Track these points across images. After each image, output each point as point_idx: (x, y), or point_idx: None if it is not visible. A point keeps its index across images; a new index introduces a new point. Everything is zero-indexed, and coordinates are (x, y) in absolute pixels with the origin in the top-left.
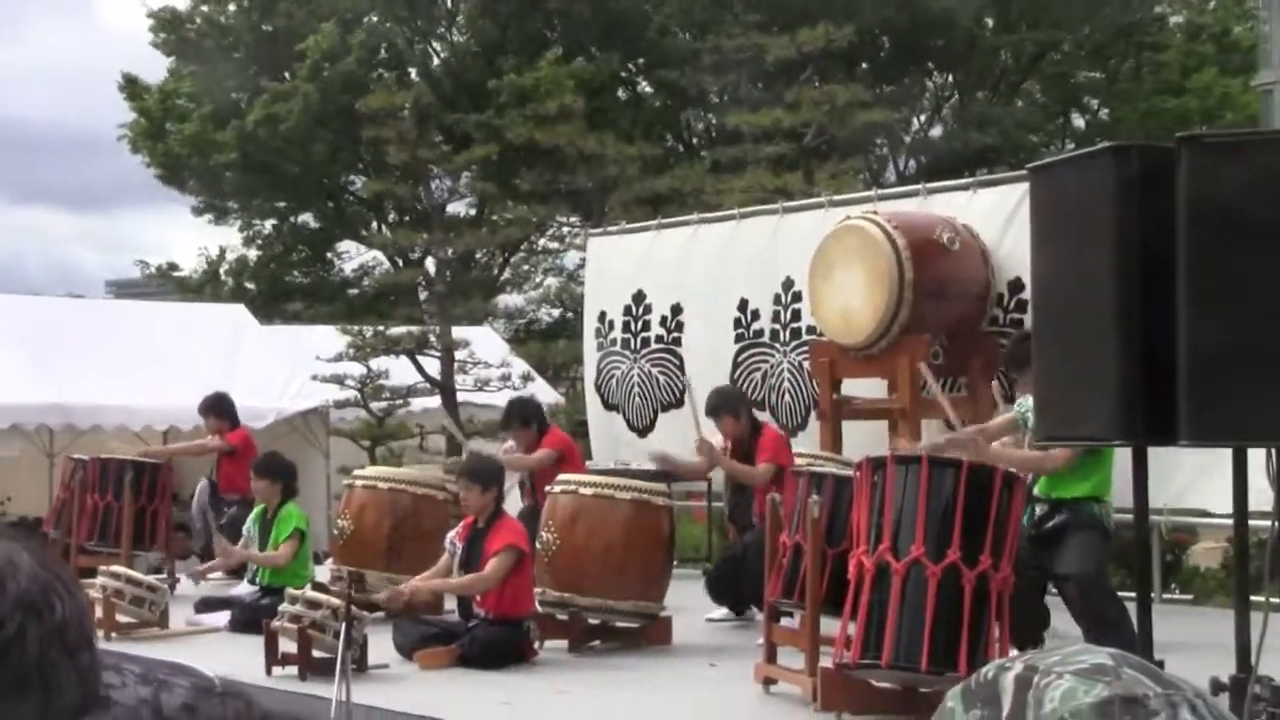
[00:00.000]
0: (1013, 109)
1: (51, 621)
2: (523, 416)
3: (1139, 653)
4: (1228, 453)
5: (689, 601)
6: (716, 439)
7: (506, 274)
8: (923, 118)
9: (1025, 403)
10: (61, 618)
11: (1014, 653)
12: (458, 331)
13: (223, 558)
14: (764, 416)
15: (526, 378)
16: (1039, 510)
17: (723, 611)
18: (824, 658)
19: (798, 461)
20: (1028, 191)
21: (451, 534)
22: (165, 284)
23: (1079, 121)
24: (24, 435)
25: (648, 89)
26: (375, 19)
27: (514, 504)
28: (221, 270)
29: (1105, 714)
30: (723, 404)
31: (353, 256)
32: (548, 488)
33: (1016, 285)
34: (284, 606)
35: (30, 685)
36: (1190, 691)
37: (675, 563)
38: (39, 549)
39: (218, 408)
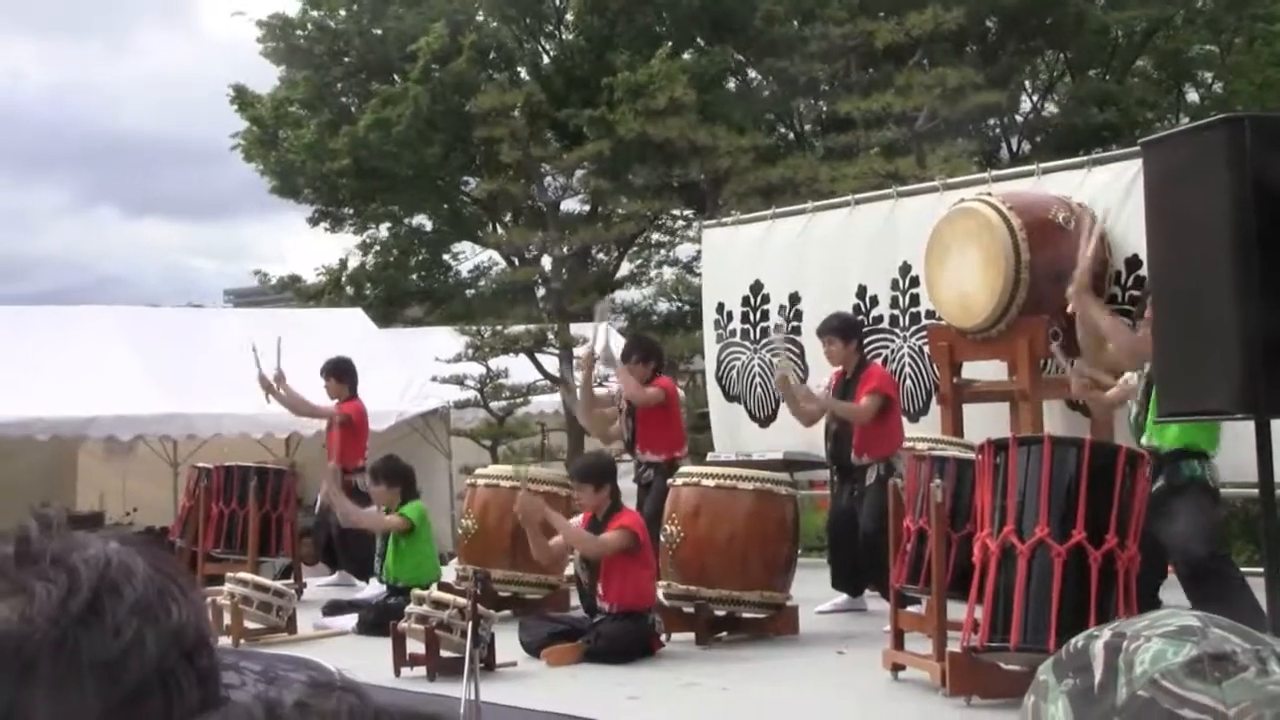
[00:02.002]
0: (1129, 86)
1: (169, 625)
2: (643, 351)
3: (1266, 628)
4: None
5: (815, 591)
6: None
7: (623, 269)
8: (1035, 98)
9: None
10: (178, 621)
11: None
12: (575, 328)
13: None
14: None
15: None
16: None
17: (835, 601)
18: (952, 642)
19: (919, 446)
20: (1142, 167)
21: None
22: (285, 294)
23: (1193, 95)
24: (148, 445)
25: (757, 78)
26: (482, 19)
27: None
28: (342, 277)
29: (1195, 672)
30: (830, 326)
31: (468, 257)
32: (670, 481)
33: (1134, 262)
34: (411, 607)
35: (151, 691)
36: (1279, 645)
37: (800, 551)
38: (153, 551)
39: (338, 370)
